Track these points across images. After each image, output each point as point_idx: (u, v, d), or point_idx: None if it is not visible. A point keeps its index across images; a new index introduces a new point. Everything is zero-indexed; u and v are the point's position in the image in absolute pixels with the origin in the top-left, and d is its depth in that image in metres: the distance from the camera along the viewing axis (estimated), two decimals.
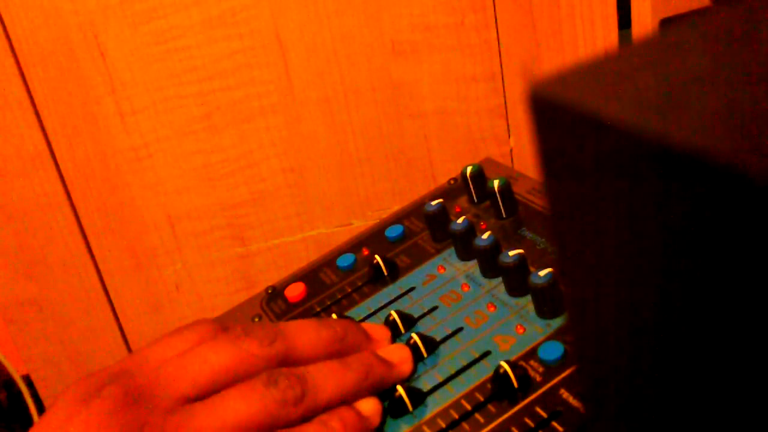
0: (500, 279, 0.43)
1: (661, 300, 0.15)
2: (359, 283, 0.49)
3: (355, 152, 0.67)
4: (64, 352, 0.71)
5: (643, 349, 0.17)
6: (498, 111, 0.66)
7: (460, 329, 0.42)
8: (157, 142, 0.66)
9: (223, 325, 0.39)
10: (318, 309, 0.48)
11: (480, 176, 0.51)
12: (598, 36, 0.50)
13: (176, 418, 0.34)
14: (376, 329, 0.42)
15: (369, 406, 0.37)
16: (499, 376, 0.36)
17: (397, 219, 0.54)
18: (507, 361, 0.36)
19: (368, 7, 0.62)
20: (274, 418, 0.35)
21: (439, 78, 0.65)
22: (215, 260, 0.70)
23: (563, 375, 0.36)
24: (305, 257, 0.67)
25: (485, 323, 0.41)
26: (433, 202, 0.50)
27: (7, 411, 0.80)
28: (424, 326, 0.43)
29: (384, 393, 0.39)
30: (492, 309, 0.42)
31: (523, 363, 0.37)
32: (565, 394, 0.35)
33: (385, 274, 0.48)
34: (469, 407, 0.37)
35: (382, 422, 0.38)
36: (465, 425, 0.36)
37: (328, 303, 0.48)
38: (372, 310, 0.46)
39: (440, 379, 0.39)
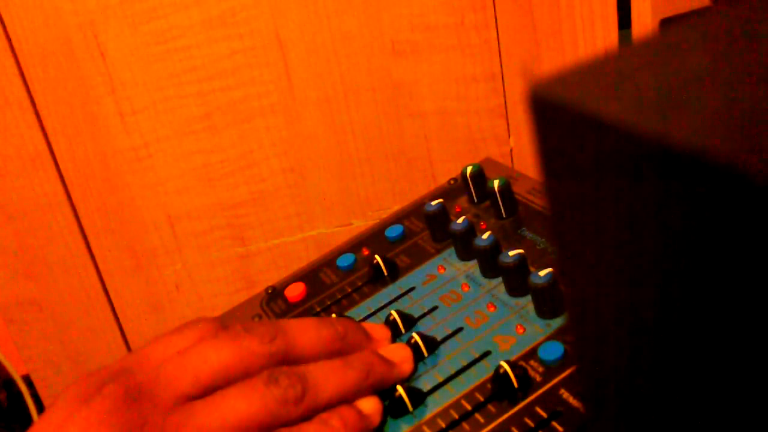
0: (500, 279, 0.43)
1: (661, 300, 0.15)
2: (359, 283, 0.49)
3: (355, 152, 0.67)
4: (64, 352, 0.71)
5: (643, 349, 0.17)
6: (498, 111, 0.66)
7: (460, 329, 0.42)
8: (157, 142, 0.66)
9: (224, 323, 0.39)
10: (318, 309, 0.48)
11: (480, 176, 0.51)
12: (598, 36, 0.50)
13: (177, 417, 0.34)
14: (377, 329, 0.42)
15: (369, 405, 0.37)
16: (499, 376, 0.36)
17: (397, 219, 0.54)
18: (507, 361, 0.36)
19: (368, 7, 0.62)
20: (274, 417, 0.35)
21: (439, 78, 0.65)
22: (215, 260, 0.70)
23: (563, 375, 0.36)
24: (305, 257, 0.67)
25: (485, 323, 0.41)
26: (433, 202, 0.50)
27: (7, 411, 0.80)
28: (424, 326, 0.43)
29: (384, 393, 0.39)
30: (492, 309, 0.42)
31: (523, 363, 0.37)
32: (565, 394, 0.35)
33: (385, 274, 0.48)
34: (469, 407, 0.37)
35: (382, 422, 0.38)
36: (465, 425, 0.36)
37: (328, 303, 0.48)
38: (372, 310, 0.46)
39: (440, 379, 0.39)
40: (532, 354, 0.38)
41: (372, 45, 0.64)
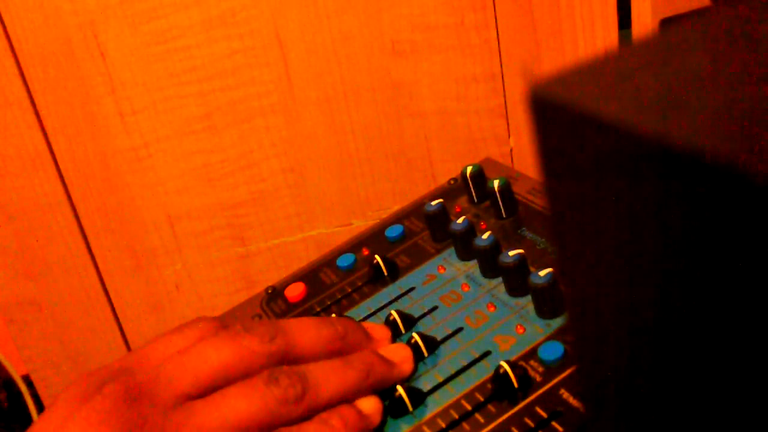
0: (500, 279, 0.43)
1: (661, 300, 0.15)
2: (359, 283, 0.49)
3: (355, 152, 0.67)
4: (64, 352, 0.71)
5: (643, 349, 0.17)
6: (498, 111, 0.66)
7: (460, 329, 0.42)
8: (157, 142, 0.66)
9: (224, 322, 0.39)
10: (318, 309, 0.48)
11: (480, 176, 0.51)
12: (598, 36, 0.50)
13: (177, 416, 0.34)
14: (377, 329, 0.42)
15: (370, 405, 0.37)
16: (499, 376, 0.36)
17: (397, 219, 0.54)
18: (507, 361, 0.36)
19: (368, 7, 0.62)
20: (274, 417, 0.35)
21: (439, 78, 0.65)
22: (215, 260, 0.70)
23: (563, 375, 0.36)
24: (305, 257, 0.67)
25: (485, 323, 0.41)
26: (433, 202, 0.50)
27: (7, 411, 0.80)
28: (424, 326, 0.43)
29: (384, 393, 0.39)
30: (492, 309, 0.42)
31: (523, 363, 0.37)
32: (565, 394, 0.35)
33: (385, 274, 0.48)
34: (469, 407, 0.37)
35: (382, 422, 0.38)
36: (465, 425, 0.36)
37: (328, 303, 0.48)
38: (372, 310, 0.46)
39: (440, 379, 0.39)
40: (532, 354, 0.38)
41: (372, 45, 0.64)
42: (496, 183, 0.48)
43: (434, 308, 0.44)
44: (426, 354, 0.40)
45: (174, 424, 0.33)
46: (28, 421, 0.75)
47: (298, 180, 0.68)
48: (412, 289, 0.46)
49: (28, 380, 0.74)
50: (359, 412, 0.37)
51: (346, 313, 0.46)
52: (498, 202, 0.48)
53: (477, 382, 0.38)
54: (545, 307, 0.40)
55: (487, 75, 0.64)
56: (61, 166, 0.65)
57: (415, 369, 0.40)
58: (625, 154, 0.14)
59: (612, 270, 0.16)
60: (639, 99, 0.14)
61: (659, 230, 0.14)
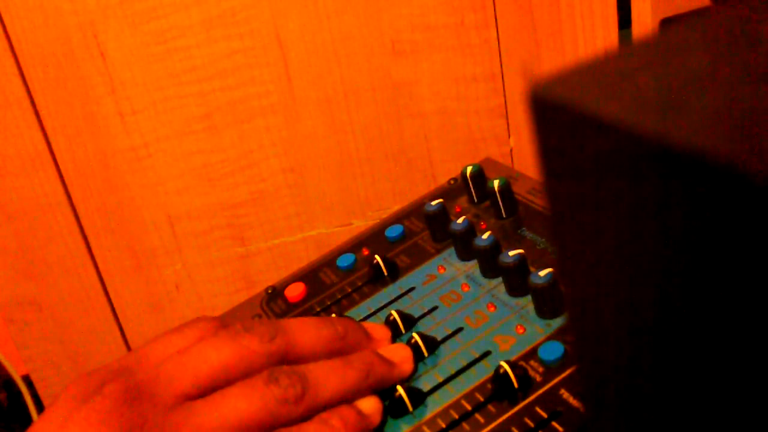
0: (500, 279, 0.43)
1: (661, 300, 0.15)
2: (359, 283, 0.49)
3: (355, 152, 0.67)
4: (64, 352, 0.71)
5: (643, 349, 0.17)
6: (498, 111, 0.66)
7: (460, 329, 0.42)
8: (157, 142, 0.66)
9: (224, 322, 0.39)
10: (318, 309, 0.48)
11: (480, 176, 0.51)
12: (598, 36, 0.50)
13: (177, 416, 0.34)
14: (377, 329, 0.42)
15: (369, 405, 0.37)
16: (499, 376, 0.36)
17: (397, 219, 0.54)
18: (507, 361, 0.36)
19: (368, 7, 0.62)
20: (274, 416, 0.35)
21: (439, 78, 0.65)
22: (215, 260, 0.70)
23: (563, 375, 0.36)
24: (305, 257, 0.67)
25: (485, 323, 0.41)
26: (433, 202, 0.50)
27: (6, 411, 0.80)
28: (424, 326, 0.43)
29: (384, 393, 0.39)
30: (492, 309, 0.42)
31: (523, 363, 0.37)
32: (565, 394, 0.35)
33: (385, 274, 0.48)
34: (469, 407, 0.37)
35: (382, 422, 0.38)
36: (465, 425, 0.36)
37: (328, 303, 0.48)
38: (372, 310, 0.46)
39: (440, 379, 0.39)
40: (532, 354, 0.38)
41: (372, 45, 0.64)
42: (496, 183, 0.48)
43: (434, 308, 0.44)
44: (426, 354, 0.40)
45: (174, 424, 0.33)
46: (28, 421, 0.75)
47: (298, 180, 0.68)
48: (412, 289, 0.46)
49: (28, 380, 0.74)
50: (359, 413, 0.37)
51: (346, 313, 0.46)
52: (498, 202, 0.48)
53: (477, 382, 0.38)
54: (545, 307, 0.40)
55: (487, 75, 0.64)
56: (61, 166, 0.65)
57: (415, 369, 0.40)
58: (625, 154, 0.14)
59: (612, 270, 0.16)
60: (639, 99, 0.14)
61: (659, 230, 0.14)
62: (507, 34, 0.63)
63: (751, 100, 0.13)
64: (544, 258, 0.44)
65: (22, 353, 0.71)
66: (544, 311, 0.40)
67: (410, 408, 0.38)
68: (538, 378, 0.36)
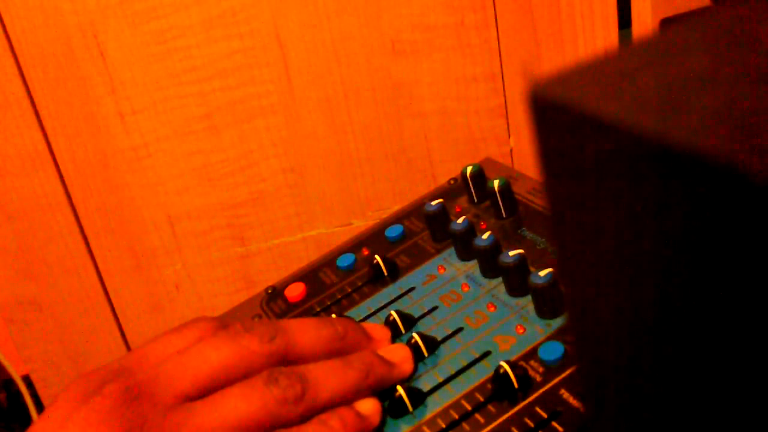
0: (500, 279, 0.43)
1: (661, 300, 0.15)
2: (359, 283, 0.49)
3: (355, 152, 0.67)
4: (64, 352, 0.71)
5: (643, 349, 0.17)
6: (498, 111, 0.66)
7: (460, 329, 0.42)
8: (157, 142, 0.66)
9: (223, 322, 0.39)
10: (318, 309, 0.48)
11: (480, 176, 0.51)
12: (598, 36, 0.50)
13: (176, 416, 0.34)
14: (377, 329, 0.42)
15: (369, 406, 0.37)
16: (499, 376, 0.36)
17: (397, 219, 0.54)
18: (507, 361, 0.36)
19: (368, 7, 0.62)
20: (274, 417, 0.35)
21: (439, 78, 0.65)
22: (215, 260, 0.70)
23: (563, 375, 0.36)
24: (305, 257, 0.67)
25: (485, 323, 0.41)
26: (433, 202, 0.50)
27: (6, 411, 0.80)
28: (424, 326, 0.43)
29: (384, 393, 0.39)
30: (492, 309, 0.42)
31: (523, 363, 0.37)
32: (565, 394, 0.35)
33: (385, 274, 0.48)
34: (469, 407, 0.37)
35: (382, 422, 0.38)
36: (465, 425, 0.36)
37: (328, 303, 0.48)
38: (372, 310, 0.46)
39: (440, 379, 0.39)
40: (532, 354, 0.38)
41: (372, 45, 0.63)
42: (496, 183, 0.48)
43: (434, 308, 0.44)
44: (426, 354, 0.40)
45: (173, 424, 0.33)
46: (28, 421, 0.75)
47: (298, 180, 0.68)
48: (412, 289, 0.46)
49: (28, 380, 0.74)
50: (358, 414, 0.37)
51: (346, 313, 0.46)
52: (498, 202, 0.48)
53: (477, 382, 0.38)
54: (545, 307, 0.40)
55: (487, 75, 0.64)
56: (61, 166, 0.65)
57: (415, 369, 0.40)
58: (625, 154, 0.14)
59: (612, 270, 0.16)
60: (639, 99, 0.14)
61: (659, 230, 0.14)
62: (507, 34, 0.63)
63: (751, 100, 0.13)
64: (544, 258, 0.44)
65: (22, 353, 0.71)
66: (544, 311, 0.40)
67: (410, 408, 0.38)
68: (538, 378, 0.36)
